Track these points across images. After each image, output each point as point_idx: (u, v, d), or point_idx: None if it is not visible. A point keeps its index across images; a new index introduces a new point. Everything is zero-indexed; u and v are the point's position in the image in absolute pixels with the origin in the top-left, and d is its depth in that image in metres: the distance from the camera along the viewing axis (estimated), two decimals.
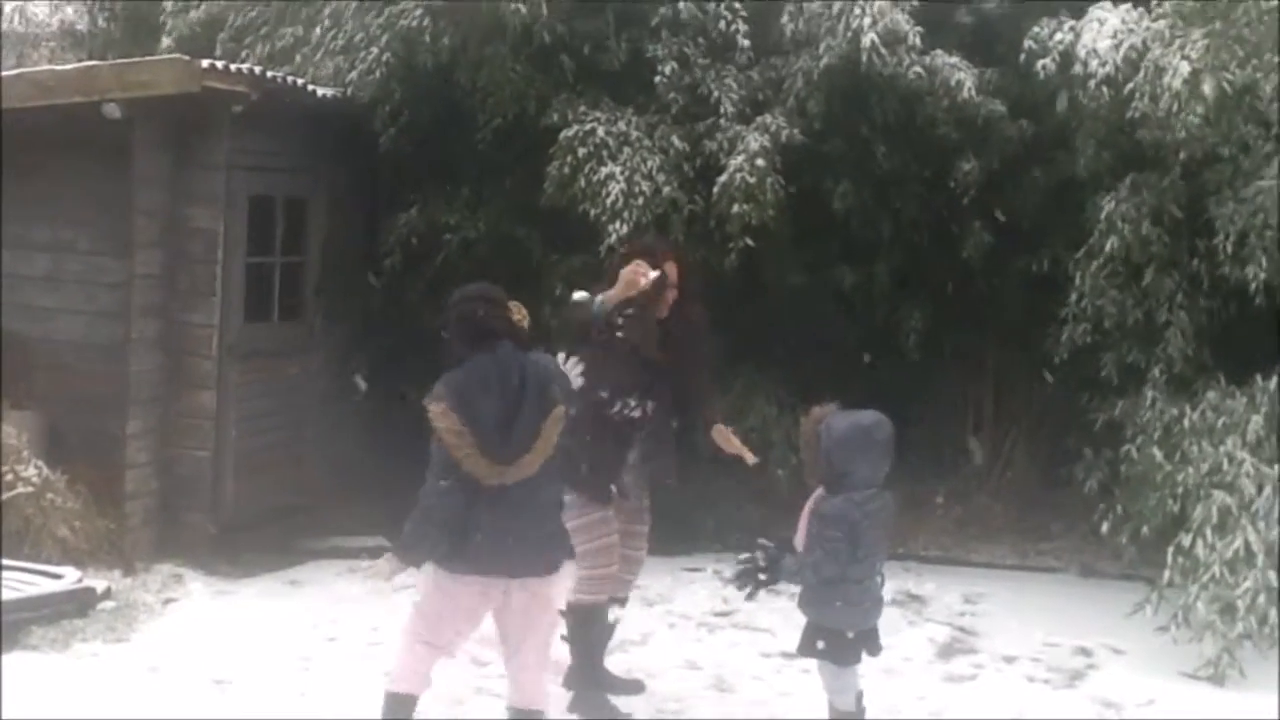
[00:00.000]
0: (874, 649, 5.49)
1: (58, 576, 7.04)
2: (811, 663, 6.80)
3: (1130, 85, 7.60)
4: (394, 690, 5.22)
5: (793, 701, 6.34)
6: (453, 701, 6.13)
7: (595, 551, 6.04)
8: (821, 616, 5.31)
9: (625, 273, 5.75)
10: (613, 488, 6.07)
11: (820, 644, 5.34)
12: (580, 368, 5.82)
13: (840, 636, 5.33)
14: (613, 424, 5.98)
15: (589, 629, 6.17)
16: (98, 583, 7.16)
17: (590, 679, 6.18)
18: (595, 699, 6.12)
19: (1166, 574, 7.01)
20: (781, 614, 7.50)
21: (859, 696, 5.46)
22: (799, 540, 5.36)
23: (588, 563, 6.05)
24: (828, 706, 5.49)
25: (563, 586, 5.39)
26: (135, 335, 8.06)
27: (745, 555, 5.30)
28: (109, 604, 7.08)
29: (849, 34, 8.28)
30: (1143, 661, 6.93)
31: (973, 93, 8.42)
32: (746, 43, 8.76)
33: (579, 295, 5.85)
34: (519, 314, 5.20)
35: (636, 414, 6.01)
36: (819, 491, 5.33)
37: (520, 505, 4.97)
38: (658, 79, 8.64)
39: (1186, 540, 7.00)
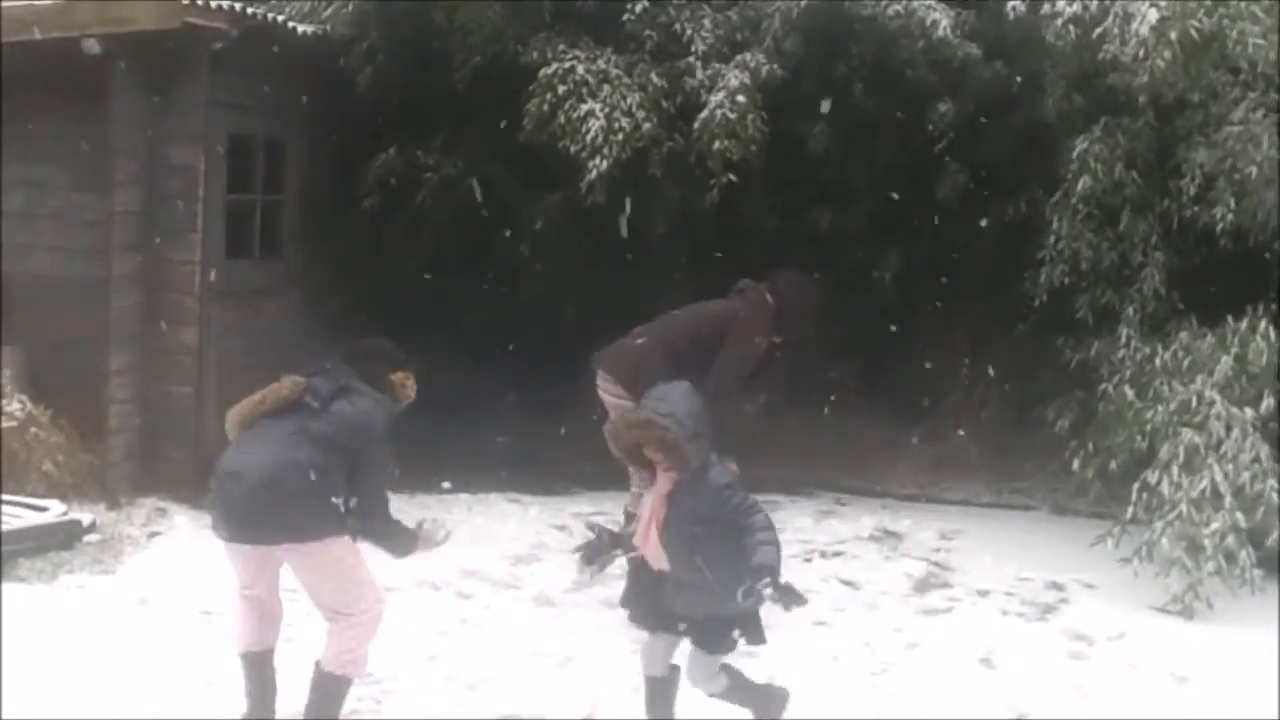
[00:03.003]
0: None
1: (43, 509, 7.09)
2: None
3: (1099, 29, 7.67)
4: (239, 650, 5.12)
5: None
6: (437, 633, 6.23)
7: None
8: (732, 605, 4.74)
9: None
10: None
11: (737, 633, 4.91)
12: None
13: (757, 619, 4.92)
14: None
15: None
16: (83, 516, 7.21)
17: None
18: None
19: (1130, 509, 7.14)
20: None
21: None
22: (645, 537, 4.90)
23: None
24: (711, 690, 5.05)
25: (333, 554, 4.91)
26: (116, 272, 8.07)
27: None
28: (94, 537, 7.15)
29: None
30: (1113, 596, 7.06)
31: (949, 32, 8.46)
32: None
33: None
34: (404, 382, 5.16)
35: None
36: (668, 481, 4.83)
37: (239, 475, 4.91)
38: (626, 17, 8.67)
39: (1153, 477, 7.11)
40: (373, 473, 4.92)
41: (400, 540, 5.12)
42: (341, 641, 4.92)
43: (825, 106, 8.76)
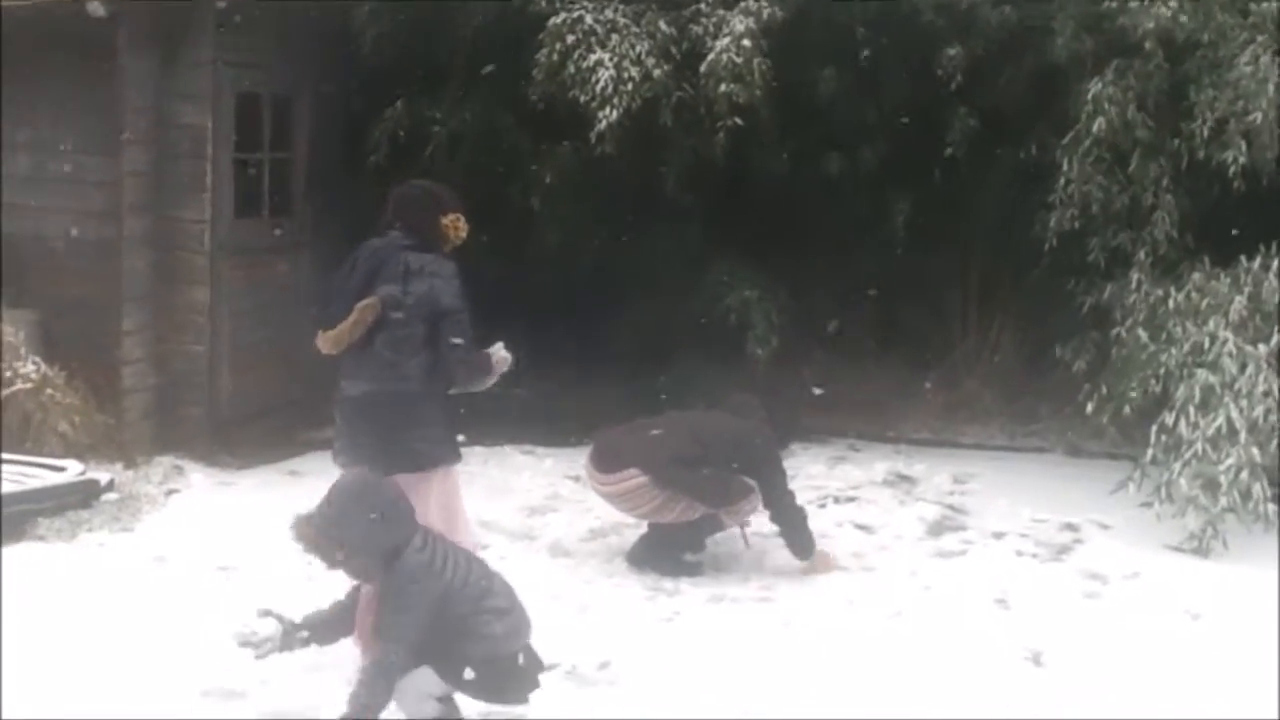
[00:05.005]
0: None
1: (60, 469, 7.12)
2: None
3: None
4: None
5: None
6: None
7: None
8: (473, 657, 4.48)
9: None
10: None
11: (469, 673, 4.49)
12: None
13: (509, 665, 4.55)
14: None
15: None
16: (100, 475, 7.25)
17: None
18: None
19: (1150, 451, 7.16)
20: None
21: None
22: (362, 628, 4.57)
23: None
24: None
25: (438, 487, 5.35)
26: (126, 233, 8.06)
27: None
28: (112, 495, 7.17)
29: None
30: (1128, 536, 7.09)
31: None
32: None
33: None
34: (455, 225, 5.47)
35: None
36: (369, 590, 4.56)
37: (366, 406, 5.28)
38: None
39: (1170, 419, 7.14)
40: (447, 338, 5.33)
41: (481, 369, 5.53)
42: None
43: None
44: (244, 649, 4.60)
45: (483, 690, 4.55)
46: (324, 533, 4.44)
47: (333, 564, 4.50)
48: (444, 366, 5.36)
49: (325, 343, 5.45)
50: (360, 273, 5.46)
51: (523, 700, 4.65)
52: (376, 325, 5.34)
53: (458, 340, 5.37)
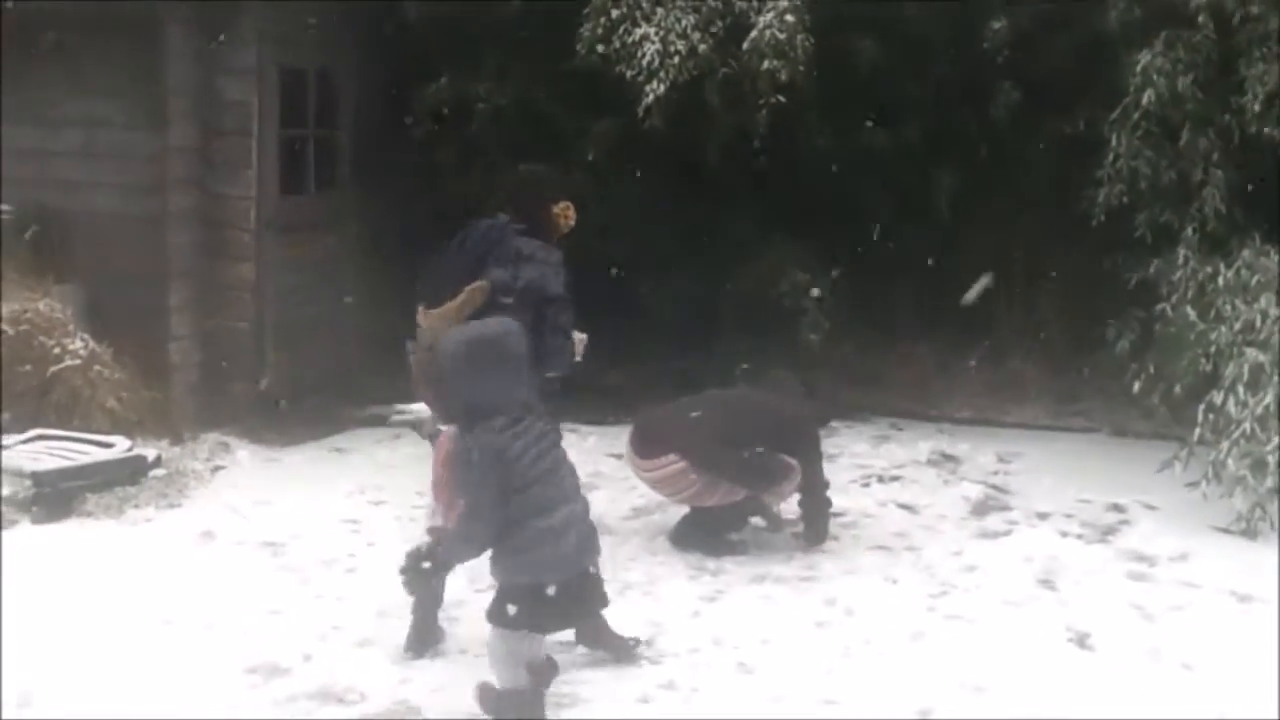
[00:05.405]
0: (588, 607, 4.68)
1: (108, 445, 7.18)
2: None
3: None
4: None
5: None
6: None
7: None
8: (507, 572, 4.37)
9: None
10: None
11: (512, 608, 4.36)
12: None
13: (536, 594, 4.35)
14: None
15: None
16: (148, 451, 7.31)
17: None
18: None
19: (1198, 431, 7.07)
20: None
21: (544, 665, 4.50)
22: (437, 460, 4.68)
23: None
24: (495, 679, 4.52)
25: None
26: (172, 208, 8.12)
27: (412, 548, 4.52)
28: (160, 472, 7.23)
29: None
30: (1175, 517, 7.01)
31: None
32: None
33: None
34: (565, 213, 5.61)
35: None
36: (448, 433, 4.61)
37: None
38: None
39: (1218, 398, 7.05)
40: (551, 324, 5.40)
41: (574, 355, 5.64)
42: None
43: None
44: (387, 412, 4.93)
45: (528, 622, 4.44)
46: (438, 351, 4.36)
47: (418, 379, 4.47)
48: (544, 352, 5.37)
49: (429, 321, 5.52)
50: (468, 255, 5.54)
51: (535, 629, 4.46)
52: (484, 308, 5.40)
53: (563, 328, 5.49)
